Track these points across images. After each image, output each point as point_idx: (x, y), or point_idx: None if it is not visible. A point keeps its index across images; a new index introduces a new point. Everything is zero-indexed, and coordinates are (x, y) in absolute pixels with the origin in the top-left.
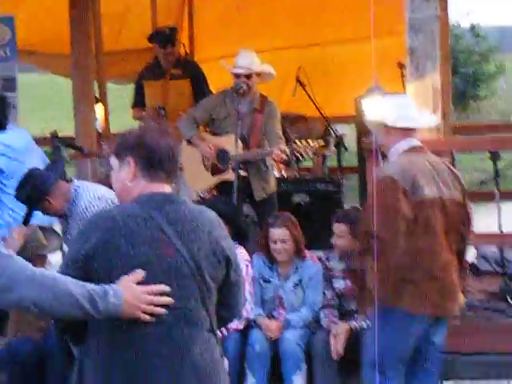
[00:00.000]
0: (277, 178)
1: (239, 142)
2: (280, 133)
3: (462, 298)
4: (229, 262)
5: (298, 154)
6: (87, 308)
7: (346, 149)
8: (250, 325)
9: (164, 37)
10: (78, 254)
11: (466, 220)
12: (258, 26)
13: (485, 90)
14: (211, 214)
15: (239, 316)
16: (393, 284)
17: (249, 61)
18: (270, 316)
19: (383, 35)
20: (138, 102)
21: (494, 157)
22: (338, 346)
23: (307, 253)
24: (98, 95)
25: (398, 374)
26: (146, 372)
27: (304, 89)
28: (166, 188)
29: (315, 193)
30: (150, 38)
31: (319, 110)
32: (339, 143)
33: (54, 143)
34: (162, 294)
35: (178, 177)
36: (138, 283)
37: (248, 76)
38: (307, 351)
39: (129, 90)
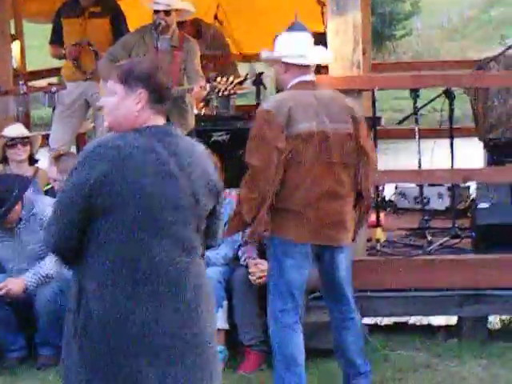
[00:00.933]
0: (195, 115)
1: None
2: (200, 70)
3: (380, 234)
4: (218, 195)
5: (219, 91)
6: None
7: (265, 87)
8: None
9: None
10: (85, 181)
11: (361, 153)
12: None
13: (401, 30)
14: (202, 148)
15: (218, 244)
16: (269, 214)
17: None
18: None
19: None
20: (56, 39)
21: (415, 94)
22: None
23: (227, 191)
24: (13, 32)
25: (294, 302)
26: (151, 292)
27: (222, 26)
28: (162, 121)
29: (234, 131)
30: None
31: (238, 48)
32: (258, 81)
33: None
34: None
35: (98, 117)
36: (146, 210)
37: (167, 12)
38: (227, 288)
39: (46, 29)
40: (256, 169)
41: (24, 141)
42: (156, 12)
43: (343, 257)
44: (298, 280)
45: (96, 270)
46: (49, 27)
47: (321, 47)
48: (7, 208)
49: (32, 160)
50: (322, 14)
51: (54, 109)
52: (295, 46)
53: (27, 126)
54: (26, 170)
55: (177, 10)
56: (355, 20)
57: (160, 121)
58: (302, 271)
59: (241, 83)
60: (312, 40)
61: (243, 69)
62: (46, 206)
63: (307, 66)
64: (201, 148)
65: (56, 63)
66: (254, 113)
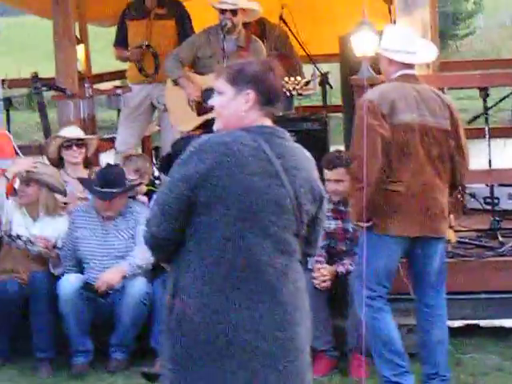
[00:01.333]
0: None
1: None
2: None
3: (451, 235)
4: (321, 202)
5: (287, 91)
6: None
7: (331, 86)
8: None
9: None
10: (193, 173)
11: (458, 150)
12: None
13: (464, 29)
14: (307, 153)
15: (315, 253)
16: (373, 207)
17: None
18: None
19: None
20: (121, 41)
21: (485, 93)
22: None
23: None
24: (78, 36)
25: (382, 289)
26: (248, 292)
27: (288, 27)
28: (270, 122)
29: (300, 132)
30: None
31: (303, 48)
32: (324, 81)
33: (34, 84)
34: None
35: (163, 119)
36: (249, 208)
37: (234, 12)
38: None
39: (107, 32)
40: (362, 158)
41: (79, 143)
42: (222, 12)
43: (441, 247)
44: (386, 268)
45: (193, 266)
46: (111, 30)
47: (426, 41)
48: (125, 189)
49: (87, 163)
50: (390, 12)
51: (118, 111)
52: (404, 42)
53: (93, 128)
54: (81, 173)
55: (243, 9)
56: (423, 18)
57: (268, 122)
58: (392, 260)
59: (307, 83)
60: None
61: (308, 70)
62: (141, 205)
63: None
64: (306, 153)
65: (119, 66)
66: (320, 113)
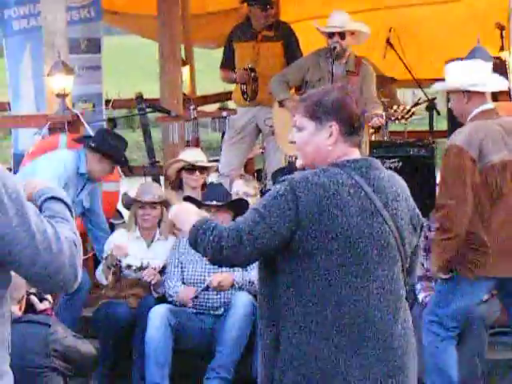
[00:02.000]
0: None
1: None
2: (375, 96)
3: None
4: (421, 229)
5: (396, 120)
6: None
7: (438, 113)
8: None
9: None
10: (291, 214)
11: None
12: None
13: None
14: (402, 180)
15: (415, 281)
16: (459, 257)
17: (342, 19)
18: None
19: None
20: (227, 62)
21: None
22: None
23: None
24: (184, 57)
25: (456, 325)
26: (357, 340)
27: (395, 51)
28: (358, 153)
29: (407, 158)
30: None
31: (411, 73)
32: (430, 107)
33: (139, 105)
34: None
35: (269, 142)
36: (352, 251)
37: (342, 36)
38: None
39: (213, 54)
40: (451, 207)
41: (203, 168)
42: (330, 36)
43: None
44: (466, 308)
45: (296, 316)
46: (213, 52)
47: (496, 75)
48: (233, 201)
49: (204, 187)
50: (502, 37)
51: (223, 134)
52: (474, 74)
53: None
54: (198, 196)
55: (352, 32)
56: None
57: (356, 153)
58: (475, 300)
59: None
60: (489, 67)
61: (407, 93)
62: None
63: (486, 94)
64: (400, 181)
65: (219, 87)
66: (427, 139)
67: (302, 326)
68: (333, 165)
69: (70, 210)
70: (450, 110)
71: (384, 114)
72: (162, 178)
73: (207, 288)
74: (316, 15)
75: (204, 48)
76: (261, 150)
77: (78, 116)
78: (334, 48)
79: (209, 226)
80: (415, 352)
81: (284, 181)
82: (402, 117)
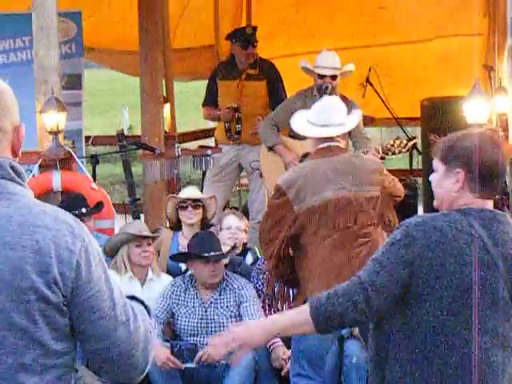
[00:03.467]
0: None
1: None
2: (366, 133)
3: None
4: None
5: (392, 155)
6: None
7: (419, 152)
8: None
9: (246, 36)
10: (406, 258)
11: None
12: (317, 27)
13: None
14: None
15: None
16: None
17: (334, 60)
18: None
19: (447, 36)
20: (210, 100)
21: None
22: None
23: None
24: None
25: None
26: None
27: (376, 91)
28: (490, 204)
29: None
30: (229, 37)
31: (391, 112)
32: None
33: (120, 143)
34: None
35: (252, 179)
36: (462, 300)
37: (333, 76)
38: None
39: (187, 88)
40: None
41: (195, 203)
42: (321, 77)
43: None
44: None
45: (402, 361)
46: (187, 86)
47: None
48: (228, 251)
49: (205, 224)
50: (490, 78)
51: (203, 173)
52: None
53: (178, 188)
54: None
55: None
56: None
57: (485, 204)
58: None
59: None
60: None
61: (396, 132)
62: (239, 278)
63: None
64: None
65: (196, 124)
66: (409, 178)
67: (407, 373)
68: (456, 210)
69: (149, 313)
70: (425, 150)
71: (380, 149)
72: (142, 216)
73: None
74: (291, 53)
75: (177, 81)
76: (237, 188)
77: (70, 153)
78: (327, 88)
79: (325, 296)
80: None
81: (401, 226)
82: (400, 151)
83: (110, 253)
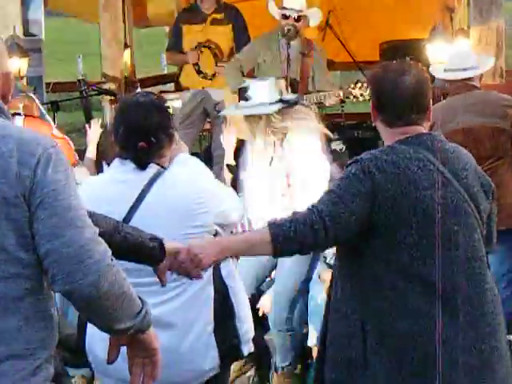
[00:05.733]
0: None
1: None
2: (329, 77)
3: None
4: (493, 193)
5: (354, 98)
6: None
7: None
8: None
9: None
10: (368, 192)
11: None
12: None
13: None
14: (463, 149)
15: (494, 248)
16: None
17: (299, 2)
18: None
19: None
20: (175, 45)
21: None
22: None
23: None
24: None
25: None
26: (449, 310)
27: (336, 35)
28: (420, 128)
29: (353, 140)
30: None
31: (351, 55)
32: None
33: (81, 88)
34: None
35: (216, 124)
36: (429, 224)
37: (297, 18)
38: None
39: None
40: None
41: None
42: (285, 18)
43: None
44: None
45: (379, 290)
46: (144, 32)
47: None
48: None
49: None
50: (451, 20)
51: None
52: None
53: None
54: None
55: (305, 15)
56: (499, 27)
57: (420, 129)
58: None
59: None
60: None
61: (354, 76)
62: None
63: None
64: (464, 151)
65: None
66: (370, 121)
67: (391, 298)
68: (399, 142)
69: None
70: None
71: (341, 93)
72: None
73: None
74: None
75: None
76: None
77: (33, 99)
78: (289, 30)
79: (286, 221)
80: (503, 317)
81: (355, 162)
82: (361, 94)
83: None
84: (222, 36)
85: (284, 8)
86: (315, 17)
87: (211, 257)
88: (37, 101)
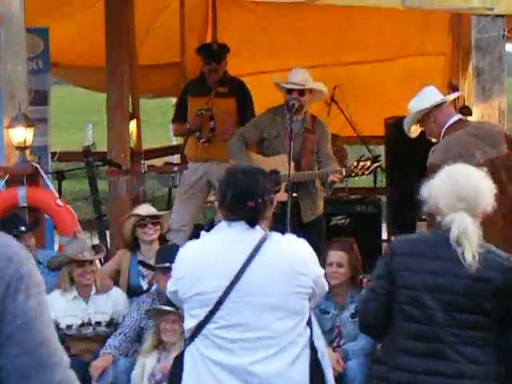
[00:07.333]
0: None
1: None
2: (332, 153)
3: None
4: None
5: (356, 176)
6: None
7: (382, 170)
8: None
9: (209, 52)
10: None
11: None
12: (284, 45)
13: None
14: None
15: None
16: None
17: (303, 77)
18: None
19: (411, 55)
20: (180, 116)
21: None
22: None
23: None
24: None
25: None
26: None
27: (341, 109)
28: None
29: (355, 215)
30: (198, 51)
31: (355, 130)
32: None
33: (86, 159)
34: None
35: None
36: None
37: (301, 93)
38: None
39: (151, 105)
40: None
41: (154, 220)
42: (289, 92)
43: None
44: None
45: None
46: (150, 103)
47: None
48: None
49: (162, 241)
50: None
51: (169, 189)
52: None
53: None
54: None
55: (310, 90)
56: (501, 105)
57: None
58: None
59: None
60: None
61: (357, 151)
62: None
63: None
64: None
65: (161, 141)
66: (373, 196)
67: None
68: None
69: None
70: (389, 168)
71: (343, 170)
72: (107, 233)
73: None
74: (257, 71)
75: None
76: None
77: (37, 169)
78: (293, 105)
79: None
80: None
81: None
82: (363, 173)
83: (52, 268)
84: (227, 109)
85: (288, 82)
86: (320, 92)
87: None
88: (41, 170)
